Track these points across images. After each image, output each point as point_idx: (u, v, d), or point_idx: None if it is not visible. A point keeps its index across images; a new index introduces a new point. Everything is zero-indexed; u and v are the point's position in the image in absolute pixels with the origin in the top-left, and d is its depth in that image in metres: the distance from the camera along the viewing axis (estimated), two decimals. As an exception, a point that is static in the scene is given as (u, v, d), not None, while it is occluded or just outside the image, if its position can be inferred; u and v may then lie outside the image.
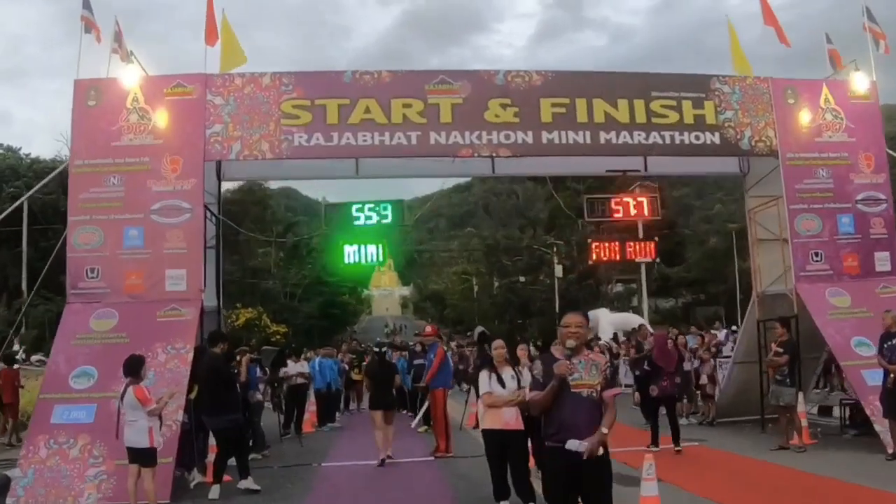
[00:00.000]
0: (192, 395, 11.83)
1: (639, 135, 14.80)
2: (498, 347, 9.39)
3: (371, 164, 15.20)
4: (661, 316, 69.04)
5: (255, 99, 14.06)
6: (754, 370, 15.94)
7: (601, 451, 5.47)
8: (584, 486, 5.47)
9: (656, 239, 16.25)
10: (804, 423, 13.84)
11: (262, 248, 67.22)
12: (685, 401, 17.94)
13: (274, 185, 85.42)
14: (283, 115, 14.00)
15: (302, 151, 13.97)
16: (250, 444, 14.77)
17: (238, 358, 13.53)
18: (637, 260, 15.88)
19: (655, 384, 14.24)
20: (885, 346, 12.09)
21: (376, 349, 16.64)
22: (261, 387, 16.37)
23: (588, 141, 14.57)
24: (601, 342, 33.36)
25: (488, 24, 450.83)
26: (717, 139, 15.20)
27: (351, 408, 24.56)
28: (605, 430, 5.47)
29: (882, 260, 15.37)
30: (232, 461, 11.25)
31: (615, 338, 36.83)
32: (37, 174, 70.53)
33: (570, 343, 5.63)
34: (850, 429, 14.76)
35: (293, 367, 18.51)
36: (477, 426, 18.56)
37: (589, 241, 16.61)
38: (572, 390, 5.59)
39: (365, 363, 20.77)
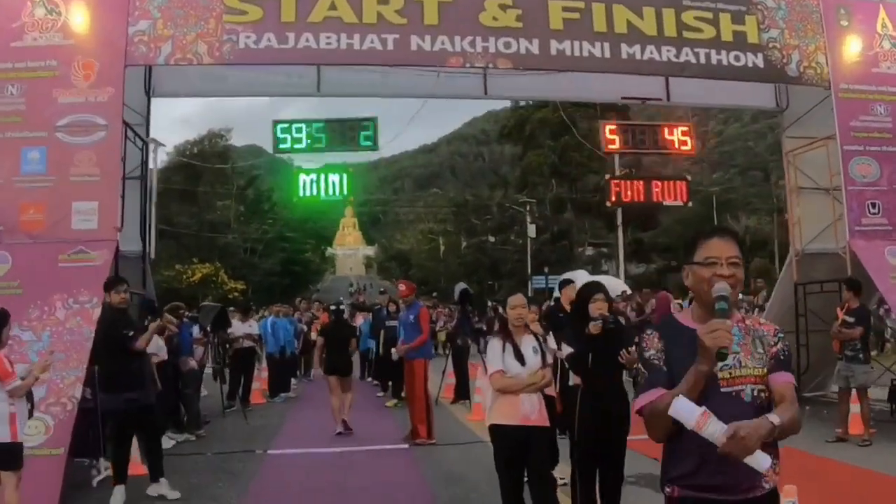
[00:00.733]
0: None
1: (668, 51, 11.96)
2: (517, 306, 6.47)
3: (336, 77, 12.31)
4: (633, 282, 66.79)
5: (190, -11, 11.03)
6: (789, 342, 13.38)
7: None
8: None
9: (688, 178, 13.43)
10: (856, 409, 11.20)
11: (222, 200, 63.90)
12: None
13: (238, 142, 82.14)
14: (225, 10, 10.93)
15: (249, 55, 10.92)
16: (181, 422, 12.02)
17: (158, 320, 10.64)
18: (665, 202, 13.01)
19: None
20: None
21: (332, 307, 14.46)
22: (198, 351, 13.55)
23: (606, 55, 11.69)
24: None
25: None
26: (759, 61, 12.45)
27: (312, 374, 21.61)
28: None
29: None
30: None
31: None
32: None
33: (725, 289, 2.85)
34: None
35: (239, 328, 15.66)
36: (456, 401, 16.16)
37: (607, 177, 13.60)
38: (722, 388, 2.84)
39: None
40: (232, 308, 18.19)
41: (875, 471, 8.96)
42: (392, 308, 17.04)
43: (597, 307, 6.34)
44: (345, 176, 11.95)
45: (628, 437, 6.35)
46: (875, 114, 12.87)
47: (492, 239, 67.76)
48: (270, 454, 10.88)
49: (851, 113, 12.75)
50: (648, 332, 3.04)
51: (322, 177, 11.84)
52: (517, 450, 6.17)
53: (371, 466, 10.11)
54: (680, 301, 18.80)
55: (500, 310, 12.24)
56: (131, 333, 8.13)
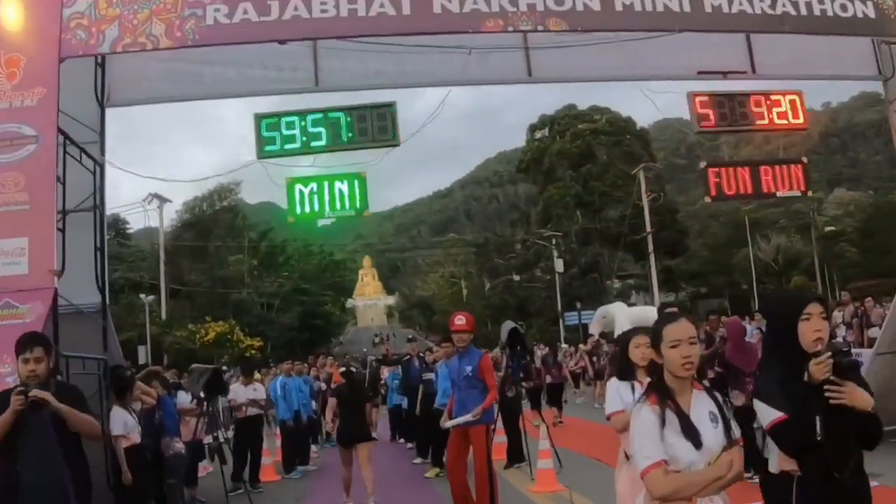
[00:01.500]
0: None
1: (761, 1, 9.30)
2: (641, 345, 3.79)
3: (338, 67, 9.67)
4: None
5: (141, -45, 8.44)
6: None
7: None
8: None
9: (804, 161, 10.56)
10: None
11: (234, 255, 61.51)
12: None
13: (252, 199, 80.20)
14: (187, -23, 8.35)
15: (220, 33, 8.25)
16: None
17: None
18: (779, 194, 10.11)
19: (739, 390, 9.63)
20: None
21: (342, 369, 11.93)
22: (190, 424, 10.80)
23: (685, 8, 8.99)
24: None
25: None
26: (870, 11, 9.77)
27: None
28: None
29: None
30: None
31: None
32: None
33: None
34: None
35: (241, 393, 12.90)
36: (510, 465, 13.21)
37: (703, 166, 10.59)
38: None
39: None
40: (226, 368, 15.41)
41: None
42: (429, 358, 14.31)
43: (812, 328, 3.55)
44: (356, 183, 9.05)
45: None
46: None
47: (517, 277, 64.95)
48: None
49: None
50: None
51: (326, 186, 8.98)
52: None
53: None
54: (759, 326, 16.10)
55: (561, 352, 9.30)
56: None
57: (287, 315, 62.79)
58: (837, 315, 18.52)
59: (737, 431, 3.46)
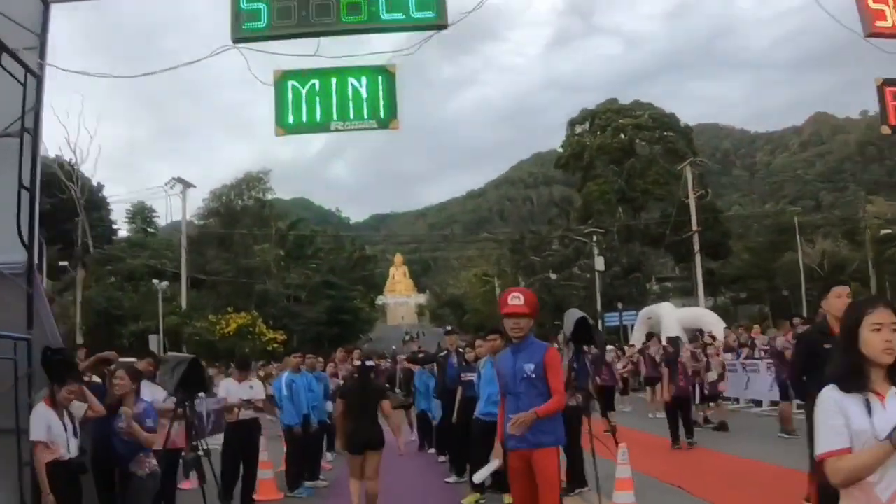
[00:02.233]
0: None
1: None
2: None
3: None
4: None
5: None
6: None
7: None
8: None
9: None
10: None
11: (259, 245, 59.34)
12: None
13: (286, 195, 78.50)
14: None
15: None
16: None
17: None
18: None
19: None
20: None
21: (358, 362, 10.54)
22: (164, 431, 8.28)
23: None
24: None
25: (500, 33, 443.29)
26: None
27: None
28: None
29: None
30: None
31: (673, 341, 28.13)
32: None
33: None
34: None
35: (233, 391, 10.33)
36: (571, 489, 10.41)
37: (881, 84, 7.69)
38: None
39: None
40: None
41: None
42: (471, 355, 11.67)
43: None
44: (381, 80, 6.24)
45: None
46: None
47: (553, 276, 62.14)
48: None
49: None
50: None
51: (334, 83, 6.21)
52: None
53: None
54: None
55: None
56: None
57: (314, 309, 60.60)
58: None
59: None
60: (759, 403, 20.06)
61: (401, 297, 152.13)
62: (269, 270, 58.38)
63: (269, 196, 67.54)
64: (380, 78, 6.26)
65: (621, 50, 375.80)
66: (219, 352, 40.77)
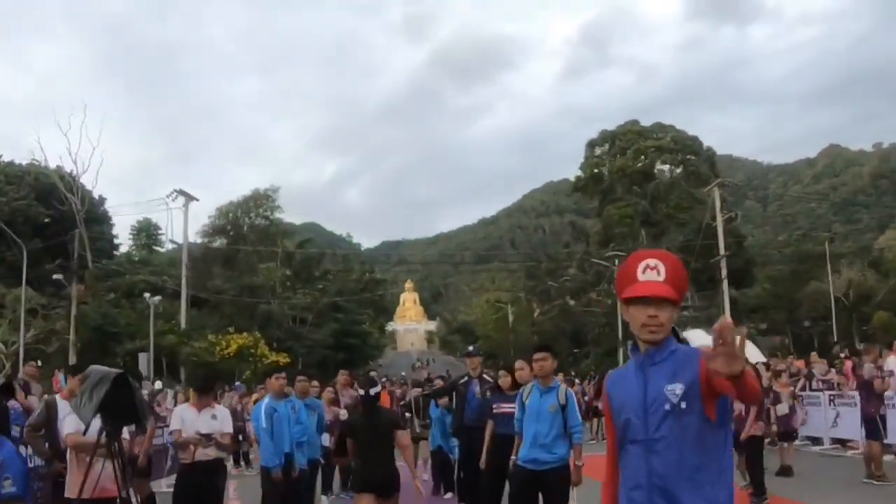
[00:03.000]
0: None
1: None
2: None
3: None
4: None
5: None
6: None
7: None
8: None
9: None
10: None
11: (265, 263, 56.84)
12: None
13: (297, 220, 76.54)
14: None
15: None
16: None
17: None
18: None
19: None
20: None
21: (362, 392, 7.91)
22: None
23: None
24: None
25: (515, 63, 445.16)
26: None
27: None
28: None
29: None
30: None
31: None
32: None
33: None
34: None
35: (188, 420, 7.65)
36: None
37: None
38: None
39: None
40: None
41: None
42: (505, 380, 8.90)
43: None
44: None
45: None
46: None
47: (571, 302, 59.37)
48: None
49: None
50: None
51: None
52: None
53: None
54: None
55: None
56: None
57: (320, 332, 57.87)
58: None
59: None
60: (842, 442, 17.17)
61: (411, 323, 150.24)
62: (274, 290, 55.81)
63: (278, 215, 65.22)
64: None
65: (634, 81, 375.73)
66: (218, 374, 38.19)
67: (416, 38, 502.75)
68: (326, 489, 12.38)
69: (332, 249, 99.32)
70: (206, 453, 7.57)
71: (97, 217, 61.28)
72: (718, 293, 61.18)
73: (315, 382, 11.70)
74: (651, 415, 3.07)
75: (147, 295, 42.34)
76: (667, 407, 3.03)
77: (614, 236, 59.32)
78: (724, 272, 47.83)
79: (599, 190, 70.04)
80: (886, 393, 13.37)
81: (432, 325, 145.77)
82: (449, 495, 12.57)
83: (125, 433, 6.77)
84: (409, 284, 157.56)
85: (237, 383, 25.32)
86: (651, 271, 3.10)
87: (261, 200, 64.56)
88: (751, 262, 68.04)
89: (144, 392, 16.65)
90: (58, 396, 7.88)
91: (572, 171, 76.71)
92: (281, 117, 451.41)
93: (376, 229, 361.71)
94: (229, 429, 7.90)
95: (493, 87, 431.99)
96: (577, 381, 29.33)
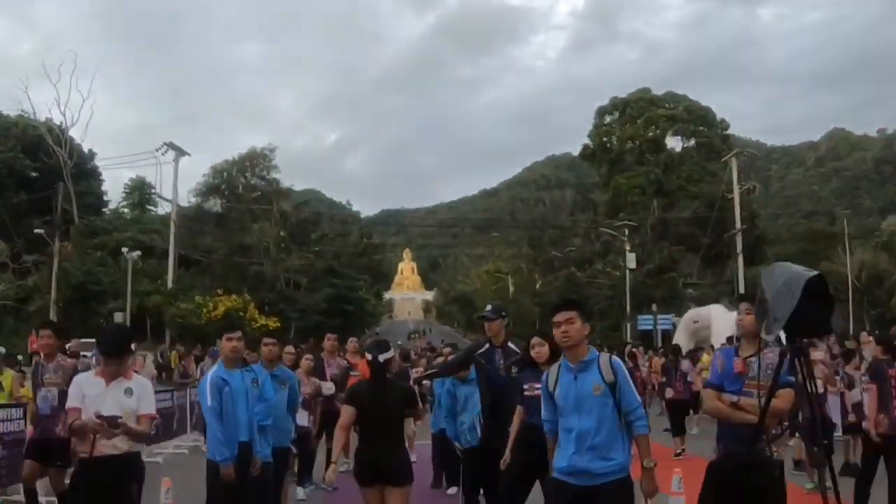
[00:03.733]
0: None
1: None
2: None
3: None
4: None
5: None
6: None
7: None
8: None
9: None
10: None
11: (259, 222, 54.45)
12: None
13: (297, 186, 74.20)
14: None
15: None
16: None
17: None
18: None
19: None
20: None
21: (369, 355, 6.25)
22: None
23: None
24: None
25: (521, 35, 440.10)
26: None
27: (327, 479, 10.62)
28: None
29: None
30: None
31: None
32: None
33: None
34: None
35: (90, 395, 5.36)
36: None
37: None
38: None
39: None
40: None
41: None
42: (540, 351, 6.63)
43: None
44: None
45: None
46: None
47: (577, 273, 57.05)
48: None
49: None
50: None
51: None
52: None
53: None
54: None
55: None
56: None
57: (315, 296, 55.52)
58: None
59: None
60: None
61: (408, 293, 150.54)
62: (268, 251, 53.38)
63: (275, 175, 62.73)
64: None
65: (639, 56, 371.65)
66: (205, 337, 35.99)
67: (423, 7, 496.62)
68: (304, 480, 10.11)
69: (331, 213, 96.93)
70: (114, 445, 5.20)
71: (86, 172, 58.79)
72: (726, 269, 59.15)
73: (290, 348, 9.39)
74: None
75: (125, 250, 39.97)
76: None
77: (623, 205, 56.87)
78: (739, 246, 45.42)
79: (607, 159, 67.62)
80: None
81: (429, 295, 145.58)
82: (453, 490, 10.29)
83: None
84: (407, 253, 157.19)
85: (213, 348, 22.38)
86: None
87: (257, 160, 62.17)
88: (762, 238, 65.63)
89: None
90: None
91: (574, 146, 74.44)
92: (283, 83, 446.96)
93: (376, 198, 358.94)
94: (149, 409, 5.49)
95: (498, 59, 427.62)
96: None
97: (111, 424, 5.01)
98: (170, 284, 41.82)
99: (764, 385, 5.00)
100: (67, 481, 6.50)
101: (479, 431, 8.49)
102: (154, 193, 67.46)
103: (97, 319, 39.04)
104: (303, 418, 9.61)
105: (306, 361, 10.03)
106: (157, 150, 43.28)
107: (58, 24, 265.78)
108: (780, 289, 4.34)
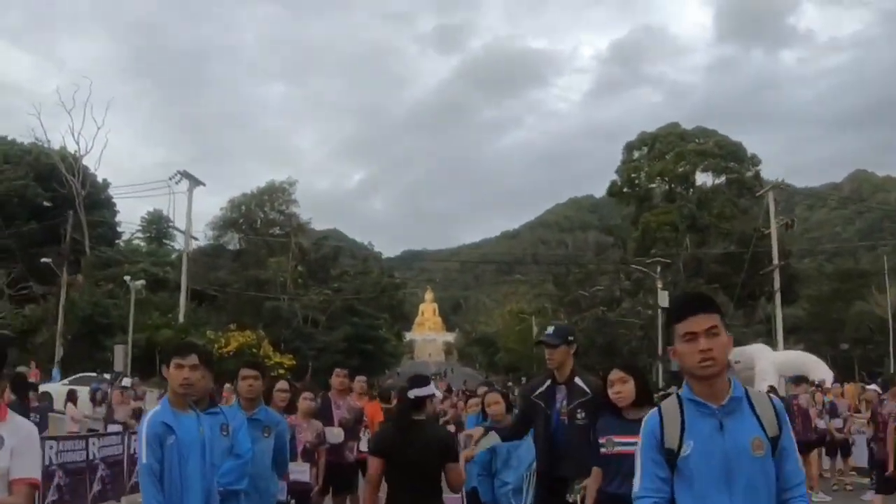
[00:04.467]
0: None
1: None
2: None
3: None
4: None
5: None
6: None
7: None
8: None
9: None
10: None
11: (276, 257, 52.70)
12: None
13: (319, 226, 72.68)
14: None
15: None
16: None
17: None
18: None
19: None
20: None
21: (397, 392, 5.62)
22: None
23: None
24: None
25: (545, 78, 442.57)
26: None
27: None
28: None
29: None
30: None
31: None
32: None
33: None
34: None
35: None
36: None
37: None
38: None
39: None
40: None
41: None
42: (624, 387, 4.65)
43: None
44: None
45: None
46: None
47: (604, 311, 54.81)
48: None
49: None
50: None
51: None
52: None
53: None
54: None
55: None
56: None
57: (333, 335, 53.43)
58: None
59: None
60: None
61: (429, 334, 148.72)
62: (285, 286, 51.48)
63: (294, 209, 61.18)
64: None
65: (662, 100, 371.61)
66: (217, 374, 34.08)
67: (447, 50, 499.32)
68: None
69: (352, 251, 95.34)
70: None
71: (100, 202, 57.45)
72: (757, 309, 56.76)
73: (283, 384, 7.35)
74: None
75: (127, 278, 38.19)
76: None
77: (653, 242, 54.75)
78: (777, 283, 43.13)
79: (636, 196, 65.70)
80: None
81: (451, 337, 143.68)
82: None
83: None
84: (428, 294, 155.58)
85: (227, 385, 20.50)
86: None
87: (276, 193, 60.75)
88: (794, 277, 63.18)
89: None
90: None
91: (597, 188, 72.98)
92: (306, 124, 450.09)
93: (398, 239, 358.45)
94: (29, 471, 3.36)
95: (521, 102, 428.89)
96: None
97: None
98: (181, 318, 39.99)
99: None
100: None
101: (528, 495, 6.43)
102: (171, 226, 66.22)
103: (105, 354, 37.30)
104: (303, 473, 7.59)
105: (305, 402, 7.95)
106: (170, 179, 41.78)
107: (82, 63, 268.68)
108: None
